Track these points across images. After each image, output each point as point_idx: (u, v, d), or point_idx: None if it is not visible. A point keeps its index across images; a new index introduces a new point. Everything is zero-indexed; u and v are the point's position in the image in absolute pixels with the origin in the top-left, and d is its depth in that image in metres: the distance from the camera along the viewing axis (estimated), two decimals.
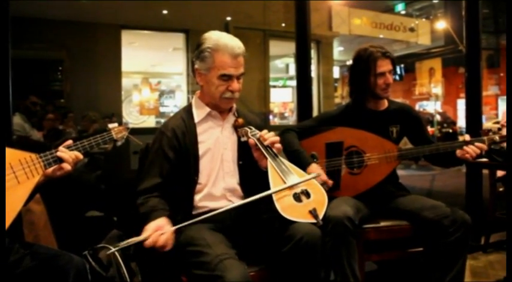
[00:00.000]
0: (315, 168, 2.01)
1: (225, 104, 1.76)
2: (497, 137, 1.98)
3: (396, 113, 2.26)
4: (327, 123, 2.24)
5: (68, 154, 1.47)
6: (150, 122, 10.93)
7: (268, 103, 9.77)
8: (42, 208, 2.10)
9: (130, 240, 1.46)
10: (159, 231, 1.50)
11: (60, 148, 1.47)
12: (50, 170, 1.45)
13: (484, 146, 1.98)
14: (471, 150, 1.97)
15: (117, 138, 1.71)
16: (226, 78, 1.69)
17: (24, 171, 1.40)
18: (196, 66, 1.74)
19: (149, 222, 1.54)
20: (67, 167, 1.46)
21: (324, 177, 1.99)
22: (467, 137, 2.02)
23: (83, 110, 6.32)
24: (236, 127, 1.80)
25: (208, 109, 1.78)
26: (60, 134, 5.14)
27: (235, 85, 1.71)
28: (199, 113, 1.79)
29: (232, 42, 1.69)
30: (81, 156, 1.50)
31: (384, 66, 2.15)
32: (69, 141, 1.52)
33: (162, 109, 13.12)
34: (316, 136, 2.21)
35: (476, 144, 1.98)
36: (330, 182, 2.02)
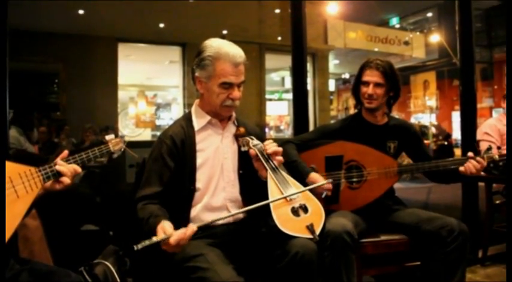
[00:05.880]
0: (314, 177, 1.98)
1: (226, 111, 1.75)
2: (496, 156, 1.99)
3: (395, 128, 2.25)
4: (327, 136, 2.23)
5: (67, 168, 1.45)
6: (146, 135, 10.89)
7: (264, 116, 9.78)
8: (38, 223, 2.08)
9: (154, 238, 1.37)
10: (183, 228, 1.43)
11: (59, 161, 1.45)
12: (48, 183, 1.42)
13: (484, 162, 1.99)
14: (472, 165, 1.98)
15: (114, 150, 1.68)
16: (227, 86, 1.68)
17: (24, 185, 1.37)
18: (196, 74, 1.73)
19: (153, 226, 1.47)
20: (66, 180, 1.44)
21: (329, 186, 1.93)
22: (470, 154, 2.02)
23: (79, 123, 6.32)
24: (237, 136, 1.78)
25: (208, 117, 1.77)
26: (56, 146, 5.12)
27: (236, 93, 1.70)
28: (199, 121, 1.77)
29: (233, 51, 1.68)
30: (79, 169, 1.47)
31: (369, 76, 2.15)
32: (65, 152, 1.49)
33: (158, 122, 13.13)
34: (316, 149, 2.20)
35: (478, 158, 1.99)
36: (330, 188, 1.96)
